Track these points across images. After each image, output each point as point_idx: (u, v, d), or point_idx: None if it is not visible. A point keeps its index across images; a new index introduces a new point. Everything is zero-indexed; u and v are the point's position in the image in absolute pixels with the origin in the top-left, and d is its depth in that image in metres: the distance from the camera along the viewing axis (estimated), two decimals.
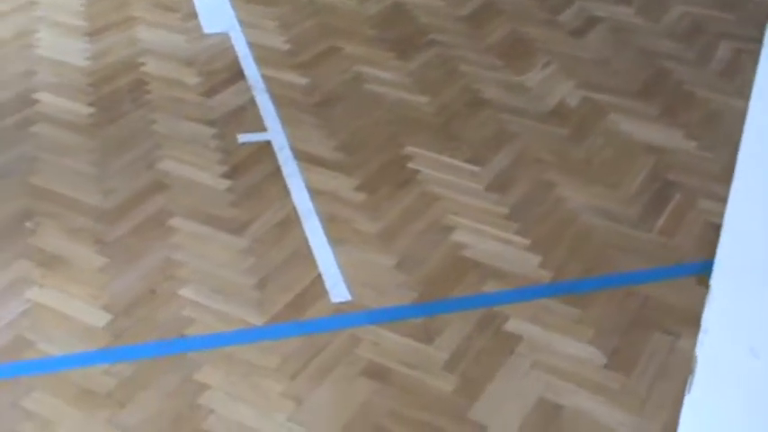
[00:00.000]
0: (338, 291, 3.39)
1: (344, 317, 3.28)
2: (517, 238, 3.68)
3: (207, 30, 5.21)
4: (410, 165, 4.10)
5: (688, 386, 1.50)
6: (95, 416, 2.88)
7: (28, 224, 3.68)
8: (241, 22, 5.29)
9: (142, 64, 4.86)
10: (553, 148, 4.23)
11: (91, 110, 4.45)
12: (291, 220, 3.74)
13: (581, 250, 3.62)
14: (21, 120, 4.36)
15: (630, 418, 2.91)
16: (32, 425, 2.85)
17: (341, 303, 3.34)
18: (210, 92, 4.61)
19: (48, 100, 4.52)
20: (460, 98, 4.62)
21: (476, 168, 4.08)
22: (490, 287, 3.43)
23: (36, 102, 4.51)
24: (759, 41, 1.22)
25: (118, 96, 4.56)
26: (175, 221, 3.72)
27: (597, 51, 5.09)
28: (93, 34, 5.15)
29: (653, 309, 3.35)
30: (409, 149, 4.20)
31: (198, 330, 3.20)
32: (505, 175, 4.05)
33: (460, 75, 4.82)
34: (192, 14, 5.35)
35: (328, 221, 3.74)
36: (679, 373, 3.08)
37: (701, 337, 1.45)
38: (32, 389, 2.97)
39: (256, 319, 3.25)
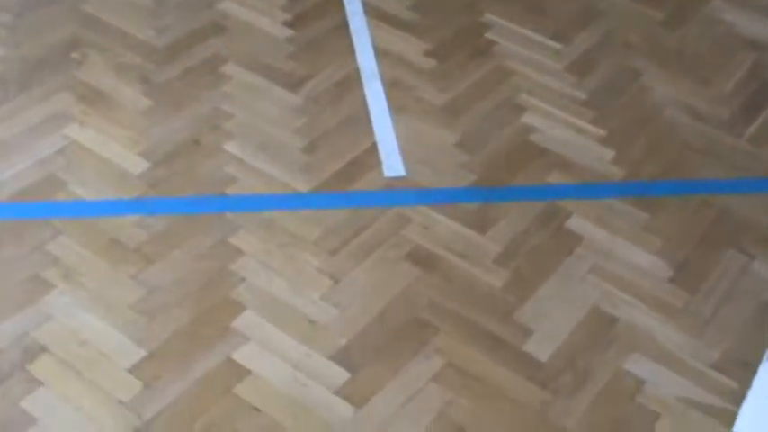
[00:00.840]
0: (392, 164, 3.15)
1: (395, 193, 3.06)
2: (592, 128, 3.39)
3: None
4: (488, 34, 3.79)
5: None
6: (121, 270, 2.73)
7: (74, 55, 3.48)
8: None
9: None
10: (644, 33, 3.87)
11: None
12: (352, 81, 3.49)
13: (659, 149, 3.33)
14: None
15: (689, 341, 2.69)
16: (55, 271, 2.71)
17: (393, 178, 3.10)
18: None
19: None
20: None
21: (558, 46, 3.76)
22: (555, 178, 3.17)
23: None
24: None
25: None
26: (228, 68, 3.48)
27: None
28: None
29: (729, 223, 3.07)
30: (489, 17, 3.87)
31: (239, 190, 3.01)
32: (588, 56, 3.72)
33: None
34: None
35: (391, 86, 3.47)
36: (749, 297, 2.83)
37: None
38: (59, 233, 2.82)
39: (301, 185, 3.05)
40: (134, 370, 2.47)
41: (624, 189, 3.17)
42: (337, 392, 2.47)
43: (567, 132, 3.36)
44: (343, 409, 2.43)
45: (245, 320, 2.62)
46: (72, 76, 3.39)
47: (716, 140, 3.38)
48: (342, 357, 2.55)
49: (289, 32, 3.68)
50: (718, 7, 4.05)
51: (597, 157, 3.27)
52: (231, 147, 3.16)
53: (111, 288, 2.67)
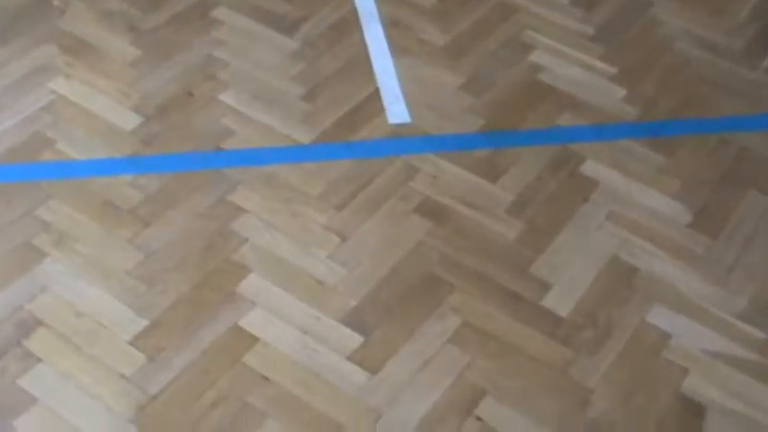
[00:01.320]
0: (396, 110, 3.00)
1: (401, 141, 2.91)
2: (602, 65, 3.24)
3: None
4: None
5: None
6: (116, 234, 2.59)
7: (56, 2, 3.29)
8: None
9: None
10: None
11: None
12: (350, 22, 3.32)
13: (673, 85, 3.18)
14: None
15: (713, 290, 2.57)
16: (48, 237, 2.58)
17: (398, 125, 2.96)
18: None
19: None
20: None
21: None
22: (567, 120, 3.03)
23: None
24: None
25: None
26: (220, 12, 3.31)
27: None
28: None
29: (749, 162, 2.94)
30: None
31: (236, 144, 2.86)
32: None
33: None
34: None
35: (391, 27, 3.31)
36: None
37: None
38: (50, 196, 2.68)
39: (302, 136, 2.90)
40: (136, 342, 2.35)
41: (638, 129, 3.04)
42: (350, 358, 2.35)
43: (576, 70, 3.21)
44: (357, 375, 2.32)
45: (251, 284, 2.50)
46: (54, 25, 3.22)
47: (731, 74, 3.24)
48: (353, 320, 2.44)
49: None
50: None
51: (609, 95, 3.13)
52: (226, 97, 3.01)
53: (107, 254, 2.54)
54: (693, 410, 2.31)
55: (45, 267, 2.50)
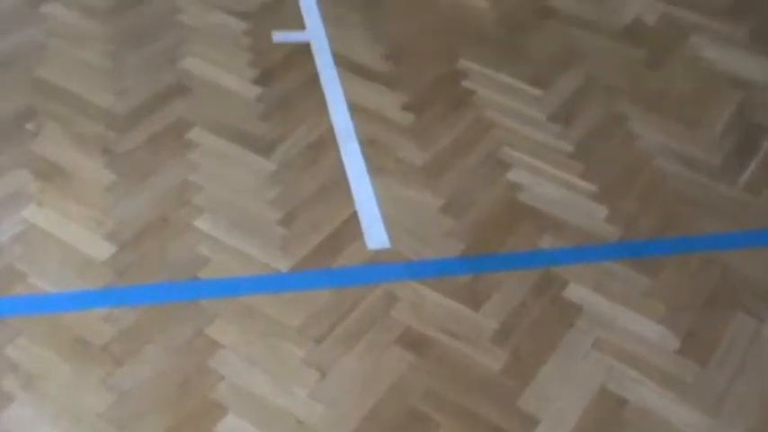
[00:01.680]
0: (375, 234, 2.95)
1: (381, 268, 2.86)
2: (582, 183, 3.21)
3: None
4: (465, 83, 3.61)
5: None
6: (88, 374, 2.50)
7: (29, 126, 3.24)
8: None
9: None
10: (626, 74, 3.71)
11: None
12: (327, 141, 3.29)
13: (653, 202, 3.16)
14: None
15: (706, 421, 2.51)
16: (14, 379, 2.48)
17: (377, 251, 2.90)
18: None
19: None
20: (525, 5, 4.08)
21: (538, 92, 3.58)
22: (548, 242, 2.99)
23: None
24: None
25: None
26: (195, 134, 3.27)
27: None
28: None
29: (734, 282, 2.90)
30: (464, 64, 3.69)
31: (213, 272, 2.79)
32: (571, 103, 3.55)
33: None
34: None
35: (368, 145, 3.28)
36: (764, 366, 2.66)
37: None
38: (19, 333, 2.58)
39: (280, 263, 2.83)
40: None
41: (621, 250, 3.00)
42: None
43: (555, 189, 3.18)
44: None
45: (228, 426, 2.41)
46: (27, 149, 3.16)
47: (710, 190, 3.22)
48: None
49: (257, 90, 3.47)
50: (696, 44, 3.90)
51: (590, 215, 3.09)
52: (202, 223, 2.94)
53: (78, 396, 2.44)
54: None
55: (12, 412, 2.40)
